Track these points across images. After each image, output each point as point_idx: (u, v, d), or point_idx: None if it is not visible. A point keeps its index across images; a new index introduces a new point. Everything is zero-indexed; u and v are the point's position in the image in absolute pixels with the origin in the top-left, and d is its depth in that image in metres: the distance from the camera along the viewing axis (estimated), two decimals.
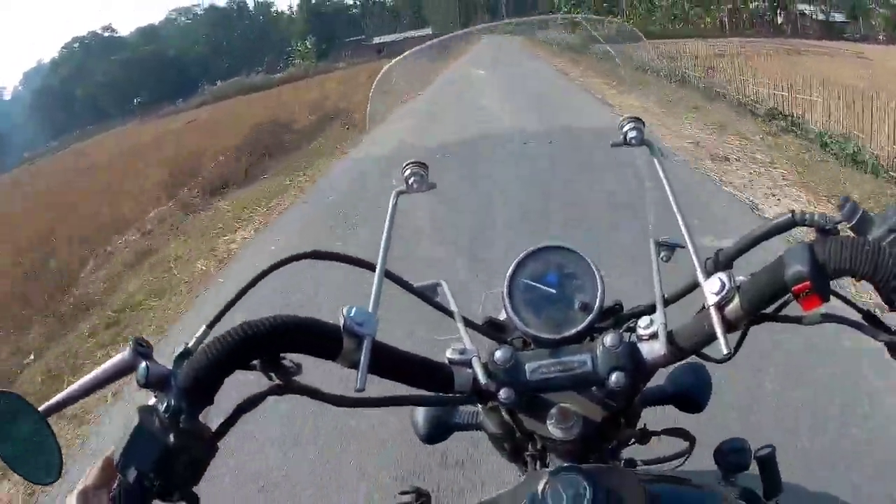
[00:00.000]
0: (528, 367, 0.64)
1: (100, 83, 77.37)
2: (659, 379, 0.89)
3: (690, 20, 38.38)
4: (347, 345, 0.56)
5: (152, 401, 0.55)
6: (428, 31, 61.26)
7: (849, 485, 1.94)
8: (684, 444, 0.95)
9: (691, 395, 0.86)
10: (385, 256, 0.68)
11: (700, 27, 35.11)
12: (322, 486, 2.36)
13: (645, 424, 0.89)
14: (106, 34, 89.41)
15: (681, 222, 0.68)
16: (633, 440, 0.87)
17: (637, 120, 0.76)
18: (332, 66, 52.02)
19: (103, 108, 73.05)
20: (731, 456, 0.86)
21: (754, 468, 0.91)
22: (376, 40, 65.81)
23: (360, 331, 0.56)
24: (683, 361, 0.87)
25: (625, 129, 0.76)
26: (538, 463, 0.77)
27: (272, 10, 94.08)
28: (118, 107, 72.41)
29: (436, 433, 0.91)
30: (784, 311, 0.62)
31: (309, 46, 66.86)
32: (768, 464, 0.90)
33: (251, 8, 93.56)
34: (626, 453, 0.92)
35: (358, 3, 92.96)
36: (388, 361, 0.60)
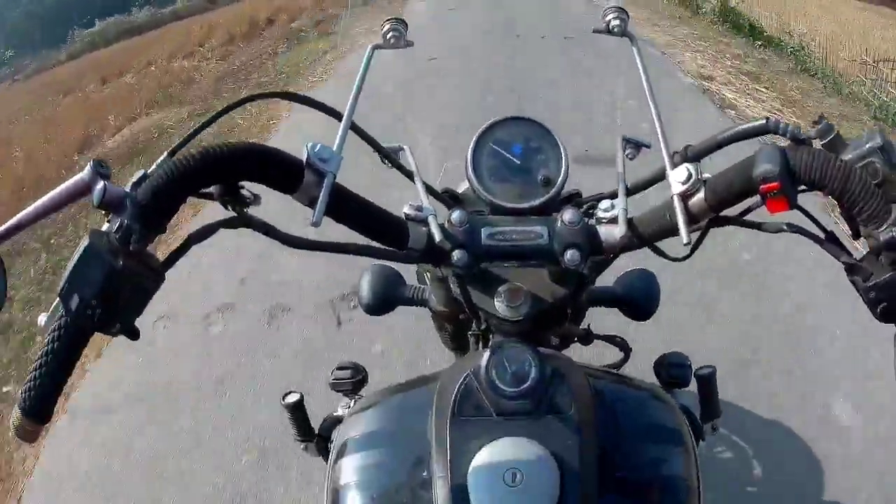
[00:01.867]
0: (484, 231, 0.64)
1: None
2: (608, 282, 0.91)
3: None
4: (308, 179, 0.56)
5: (105, 227, 0.53)
6: None
7: None
8: (621, 355, 0.98)
9: (639, 301, 0.87)
10: (353, 106, 0.66)
11: None
12: None
13: (589, 325, 0.91)
14: None
15: (654, 113, 0.68)
16: (575, 338, 0.90)
17: (621, 10, 0.74)
18: None
19: None
20: (672, 370, 0.86)
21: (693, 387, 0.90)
22: None
23: (322, 167, 0.56)
24: (634, 268, 0.89)
25: (608, 17, 0.75)
26: (480, 344, 0.78)
27: None
28: None
29: (380, 304, 0.91)
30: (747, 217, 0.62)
31: None
32: (707, 383, 0.91)
33: None
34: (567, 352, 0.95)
35: None
36: (345, 205, 0.59)
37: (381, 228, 0.62)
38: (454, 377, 0.65)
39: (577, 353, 0.85)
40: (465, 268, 0.62)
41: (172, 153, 0.59)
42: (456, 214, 0.63)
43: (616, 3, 0.74)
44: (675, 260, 0.66)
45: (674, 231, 0.60)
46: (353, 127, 0.67)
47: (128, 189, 0.54)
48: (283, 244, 0.57)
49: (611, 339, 0.95)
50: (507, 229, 0.64)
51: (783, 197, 0.52)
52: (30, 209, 0.62)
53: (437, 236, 0.61)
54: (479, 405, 0.62)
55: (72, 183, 0.58)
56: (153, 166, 0.57)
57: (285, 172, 0.55)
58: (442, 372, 0.70)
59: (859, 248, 0.56)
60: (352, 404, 0.88)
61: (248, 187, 0.57)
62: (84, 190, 0.57)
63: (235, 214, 0.57)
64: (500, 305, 0.66)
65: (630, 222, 0.63)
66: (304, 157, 0.56)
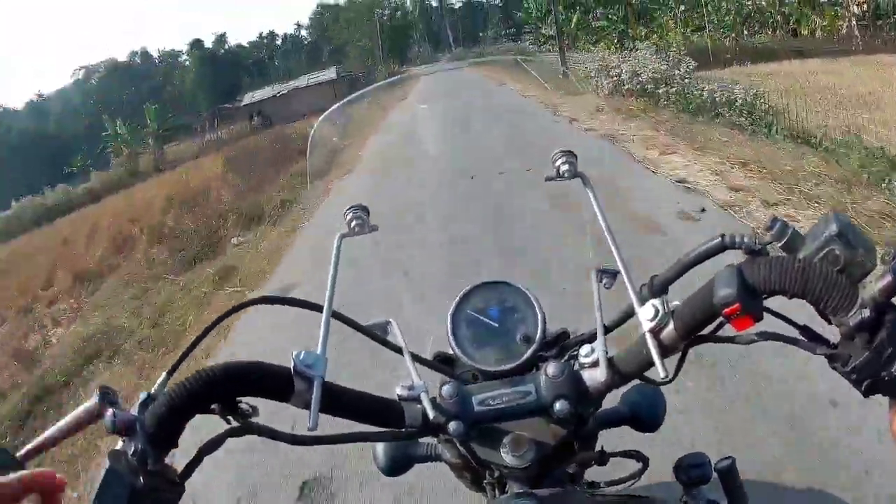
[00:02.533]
0: (474, 399, 0.66)
1: None
2: (616, 400, 0.92)
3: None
4: (299, 386, 0.59)
5: (120, 445, 0.58)
6: (330, 74, 41.78)
7: None
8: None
9: (645, 416, 0.89)
10: (332, 298, 0.70)
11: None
12: None
13: (602, 446, 0.91)
14: None
15: (615, 252, 0.71)
16: (592, 462, 0.90)
17: (569, 153, 0.77)
18: (176, 153, 34.41)
19: None
20: (691, 470, 0.84)
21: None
22: (248, 99, 42.04)
23: (309, 373, 0.59)
24: (637, 383, 0.90)
25: (557, 162, 0.77)
26: (497, 490, 0.79)
27: (178, 59, 77.07)
28: None
29: (396, 466, 0.93)
30: (721, 331, 0.62)
31: (121, 131, 37.01)
32: (729, 475, 0.87)
33: (156, 58, 77.86)
34: (590, 475, 0.95)
35: (264, 41, 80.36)
36: (338, 401, 0.62)
37: (377, 414, 0.64)
38: None
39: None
40: (462, 436, 0.65)
41: (171, 371, 0.64)
42: (446, 388, 0.66)
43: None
44: (660, 384, 0.66)
45: (652, 364, 0.62)
46: (336, 315, 0.71)
47: (135, 412, 0.59)
48: (290, 444, 0.60)
49: (626, 455, 0.95)
50: (497, 393, 0.67)
51: (748, 315, 0.54)
52: (48, 433, 0.67)
53: (431, 413, 0.64)
54: None
55: (82, 410, 0.64)
56: (155, 386, 0.62)
57: (276, 385, 0.59)
58: None
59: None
60: None
61: (247, 400, 0.61)
62: (95, 416, 0.62)
63: (240, 425, 0.60)
64: (506, 456, 0.68)
65: (611, 363, 0.65)
66: (291, 366, 0.60)
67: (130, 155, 35.20)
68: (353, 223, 0.77)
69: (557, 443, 0.69)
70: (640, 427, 0.89)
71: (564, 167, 0.77)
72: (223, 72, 70.48)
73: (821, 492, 1.89)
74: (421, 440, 0.92)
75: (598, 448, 0.91)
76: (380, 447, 0.93)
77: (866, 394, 0.53)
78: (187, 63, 74.25)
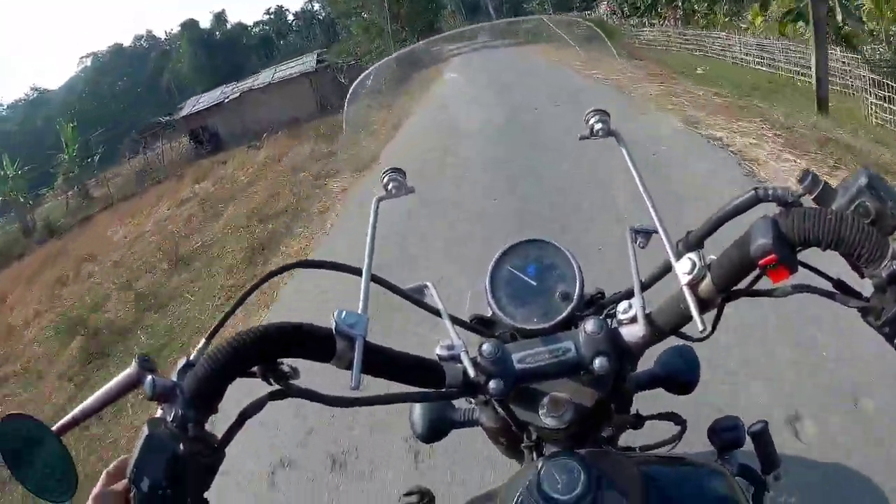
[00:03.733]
0: (514, 357, 0.66)
1: None
2: (649, 364, 0.91)
3: None
4: (340, 347, 0.59)
5: (159, 412, 0.57)
6: (306, 63, 27.95)
7: None
8: (677, 429, 0.97)
9: (680, 377, 0.89)
10: (370, 260, 0.70)
11: None
12: None
13: (638, 409, 0.91)
14: None
15: (651, 209, 0.71)
16: (627, 426, 0.90)
17: (602, 112, 0.78)
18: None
19: None
20: (725, 434, 0.87)
21: (749, 445, 0.91)
22: (190, 107, 27.83)
23: (351, 332, 0.59)
24: (668, 344, 0.90)
25: (591, 121, 0.78)
26: (534, 454, 0.79)
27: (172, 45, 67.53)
28: None
29: (434, 432, 0.94)
30: (756, 285, 0.63)
31: (67, 157, 25.76)
32: (762, 438, 0.92)
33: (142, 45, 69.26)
34: (624, 440, 0.95)
35: (266, 17, 70.50)
36: (380, 361, 0.62)
37: (417, 374, 0.64)
38: (511, 494, 0.66)
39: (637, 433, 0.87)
40: (502, 395, 0.65)
41: (210, 337, 0.64)
42: (486, 347, 0.66)
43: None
44: (698, 340, 0.67)
45: (690, 318, 0.62)
46: (374, 278, 0.71)
47: (174, 378, 0.59)
48: (331, 406, 0.60)
49: (663, 417, 0.95)
50: (536, 351, 0.67)
51: (783, 266, 0.55)
52: (84, 405, 0.67)
53: (472, 372, 0.64)
54: None
55: (121, 378, 0.64)
56: (194, 352, 0.62)
57: (317, 345, 0.59)
58: (500, 488, 0.71)
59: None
60: None
61: (287, 362, 0.61)
62: (134, 383, 0.63)
63: (280, 388, 0.60)
64: (544, 417, 0.68)
65: (649, 318, 0.65)
66: (332, 326, 0.59)
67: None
68: (391, 185, 0.78)
69: (595, 403, 0.69)
70: (675, 389, 0.89)
71: (598, 125, 0.77)
72: (225, 55, 61.37)
73: None
74: (458, 406, 0.92)
75: (633, 412, 0.91)
76: (417, 413, 0.94)
77: None
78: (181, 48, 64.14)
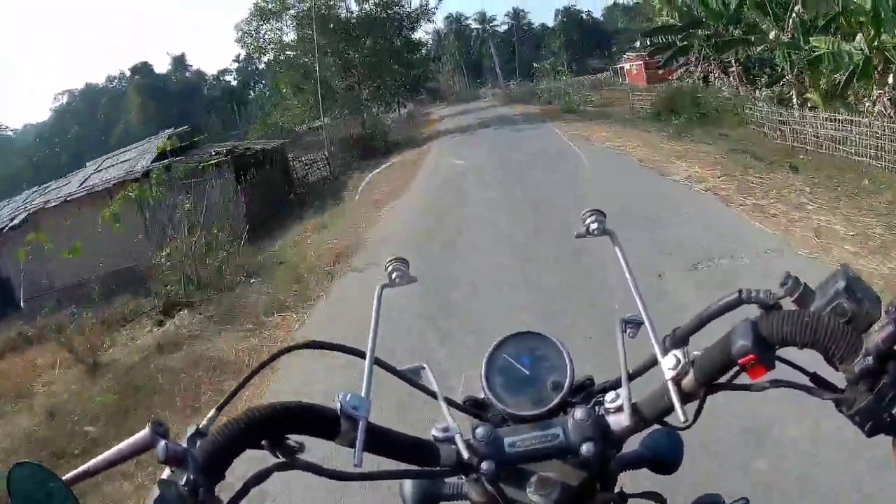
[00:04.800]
0: (506, 441, 0.70)
1: None
2: (635, 444, 0.95)
3: None
4: (344, 427, 0.64)
5: (166, 474, 0.61)
6: (135, 162, 14.06)
7: None
8: None
9: (664, 459, 0.91)
10: (374, 345, 0.75)
11: None
12: None
13: (622, 487, 0.94)
14: None
15: (640, 306, 0.76)
16: (612, 503, 0.93)
17: (598, 212, 0.84)
18: None
19: None
20: None
21: None
22: None
23: (355, 414, 0.64)
24: (656, 427, 0.94)
25: (587, 220, 0.84)
26: None
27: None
28: None
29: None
30: (737, 380, 0.68)
31: None
32: None
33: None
34: None
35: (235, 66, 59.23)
36: (380, 441, 0.67)
37: (414, 453, 0.69)
38: None
39: None
40: (493, 476, 0.68)
41: (220, 407, 0.68)
42: (479, 431, 0.70)
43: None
44: (680, 429, 0.71)
45: (672, 409, 0.67)
46: (377, 361, 0.75)
47: (185, 445, 0.62)
48: (333, 479, 0.64)
49: (645, 496, 0.97)
50: (527, 436, 0.71)
51: (761, 364, 0.60)
52: (97, 460, 0.70)
53: (465, 454, 0.68)
54: None
55: (134, 440, 0.67)
56: (204, 421, 0.66)
57: (323, 424, 0.64)
58: None
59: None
60: None
61: (293, 437, 0.65)
62: (146, 447, 0.66)
63: (286, 461, 0.64)
64: (532, 495, 0.71)
65: (635, 408, 0.70)
66: (337, 408, 0.64)
67: None
68: (394, 274, 0.82)
69: (581, 483, 0.72)
70: (659, 469, 0.92)
71: (594, 225, 0.83)
72: (181, 105, 52.26)
73: None
74: (447, 480, 0.96)
75: (617, 489, 0.94)
76: (408, 485, 0.96)
77: (870, 434, 0.58)
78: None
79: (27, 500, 0.62)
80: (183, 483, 0.59)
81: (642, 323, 0.81)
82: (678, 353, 0.67)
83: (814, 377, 0.64)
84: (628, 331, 0.82)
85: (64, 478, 0.66)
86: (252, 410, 0.61)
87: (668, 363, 0.67)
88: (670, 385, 0.66)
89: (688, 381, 0.66)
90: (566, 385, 0.77)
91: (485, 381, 0.79)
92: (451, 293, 5.76)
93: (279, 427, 0.62)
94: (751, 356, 0.59)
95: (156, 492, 0.58)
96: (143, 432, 0.66)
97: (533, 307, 5.04)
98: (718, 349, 0.64)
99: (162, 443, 0.61)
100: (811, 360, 0.65)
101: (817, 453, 2.72)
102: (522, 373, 0.79)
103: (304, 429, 0.63)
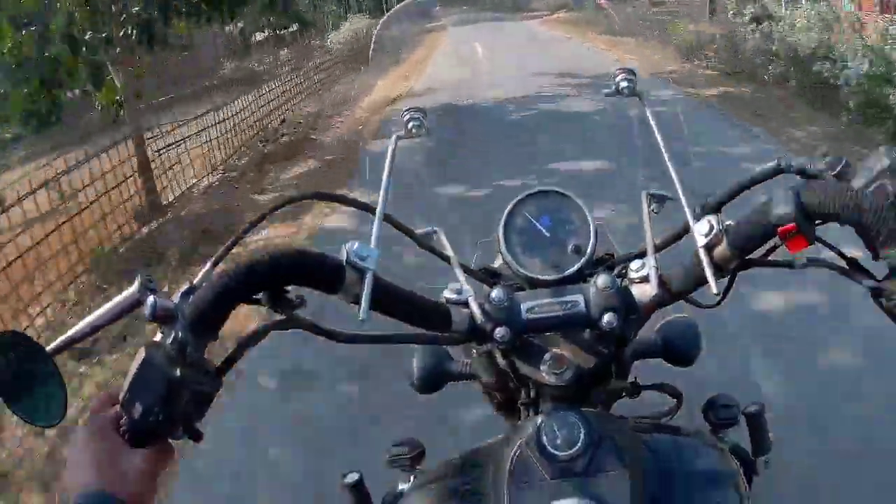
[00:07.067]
0: (523, 306, 0.66)
1: None
2: (650, 334, 0.91)
3: None
4: (350, 278, 0.58)
5: (158, 337, 0.56)
6: None
7: None
8: (673, 402, 0.98)
9: (681, 349, 0.88)
10: (385, 198, 0.70)
11: None
12: None
13: (636, 378, 0.91)
14: None
15: (671, 171, 0.71)
16: (623, 393, 0.90)
17: (629, 71, 0.78)
18: None
19: None
20: (720, 411, 0.88)
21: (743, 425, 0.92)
22: None
23: (362, 265, 0.58)
24: (674, 316, 0.90)
25: (617, 79, 0.79)
26: (530, 410, 0.79)
27: None
28: None
29: (430, 382, 0.94)
30: (773, 256, 0.64)
31: None
32: (756, 420, 0.92)
33: None
34: (617, 409, 0.95)
35: None
36: (387, 298, 0.62)
37: (424, 315, 0.64)
38: (509, 447, 0.66)
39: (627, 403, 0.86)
40: (507, 343, 0.65)
41: (216, 262, 0.63)
42: (495, 293, 0.66)
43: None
44: (708, 307, 0.68)
45: (703, 281, 0.62)
46: (387, 218, 0.70)
47: (176, 301, 0.57)
48: (334, 341, 0.60)
49: (659, 388, 0.95)
50: (545, 301, 0.67)
51: (801, 236, 0.56)
52: (84, 323, 0.66)
53: (479, 317, 0.64)
54: (534, 472, 0.63)
55: (123, 298, 0.62)
56: (198, 276, 0.61)
57: (326, 275, 0.58)
58: (496, 442, 0.71)
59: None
60: (412, 479, 0.89)
61: (294, 290, 0.60)
62: (135, 304, 0.61)
63: (284, 317, 0.59)
64: (545, 373, 0.68)
65: (661, 279, 0.65)
66: (342, 257, 0.59)
67: None
68: (411, 124, 0.78)
69: (596, 364, 0.69)
70: (674, 360, 0.89)
71: (624, 84, 0.78)
72: None
73: None
74: (455, 358, 0.93)
75: (630, 380, 0.91)
76: (415, 361, 0.94)
77: None
78: None
79: (7, 373, 0.59)
80: (170, 342, 0.54)
81: (668, 198, 0.76)
82: (712, 218, 0.62)
83: (851, 262, 0.60)
84: (653, 205, 0.77)
85: (48, 348, 0.62)
86: (245, 259, 0.56)
87: (701, 229, 0.62)
88: (702, 253, 0.61)
89: (721, 250, 0.61)
90: (589, 249, 0.72)
91: (503, 242, 0.74)
92: None
93: (276, 278, 0.57)
94: (791, 225, 0.55)
95: (141, 354, 0.54)
96: (132, 289, 0.61)
97: None
98: (755, 216, 0.59)
99: (150, 298, 0.56)
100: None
101: None
102: (542, 234, 0.75)
103: (304, 280, 0.57)
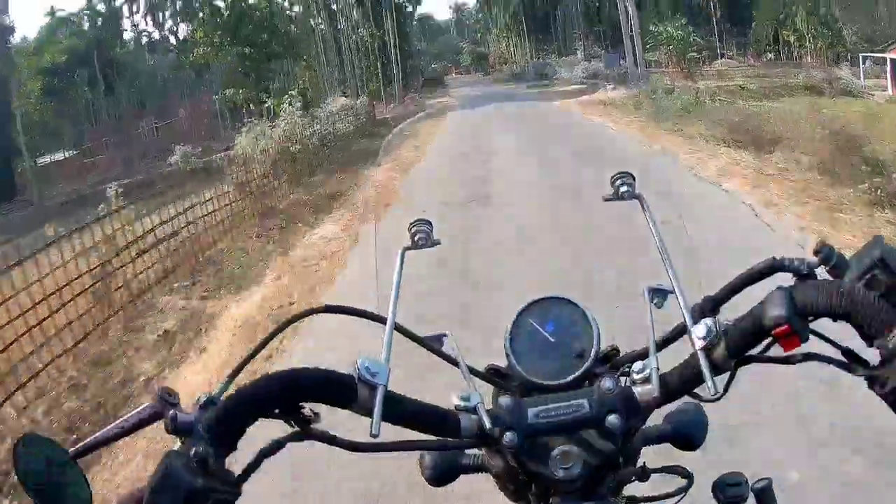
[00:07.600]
0: (530, 412, 0.67)
1: None
2: (658, 419, 0.92)
3: None
4: (362, 394, 0.60)
5: (177, 445, 0.58)
6: None
7: None
8: (683, 482, 0.98)
9: (688, 434, 0.90)
10: (395, 310, 0.72)
11: None
12: None
13: (645, 462, 0.92)
14: None
15: (670, 273, 0.73)
16: (633, 478, 0.90)
17: (626, 174, 0.81)
18: None
19: None
20: (729, 490, 0.88)
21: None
22: None
23: (373, 381, 0.61)
24: (683, 402, 0.91)
25: (616, 183, 0.81)
26: (541, 503, 0.80)
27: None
28: None
29: (443, 476, 0.93)
30: (769, 352, 0.65)
31: None
32: (765, 495, 0.91)
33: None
34: (628, 491, 0.95)
35: None
36: (399, 409, 0.64)
37: (434, 423, 0.66)
38: None
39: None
40: (516, 447, 0.66)
41: (232, 376, 0.65)
42: (503, 400, 0.67)
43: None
44: (708, 401, 0.69)
45: (702, 381, 0.63)
46: (398, 327, 0.72)
47: (196, 414, 0.60)
48: (350, 451, 0.61)
49: (669, 470, 0.96)
50: (551, 406, 0.68)
51: (795, 336, 0.58)
52: (103, 431, 0.68)
53: (487, 424, 0.65)
54: None
55: (142, 409, 0.65)
56: (216, 390, 0.63)
57: (339, 391, 0.61)
58: None
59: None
60: None
61: (309, 405, 0.62)
62: (155, 416, 0.63)
63: (301, 431, 0.61)
64: (554, 469, 0.69)
65: (662, 379, 0.67)
66: (354, 374, 0.61)
67: None
68: (417, 237, 0.81)
69: (604, 457, 0.70)
70: (682, 445, 0.90)
71: (624, 188, 0.81)
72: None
73: None
74: (467, 451, 0.94)
75: (639, 464, 0.92)
76: (427, 456, 0.94)
77: None
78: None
79: (34, 475, 0.60)
80: (192, 454, 0.55)
81: (670, 292, 0.78)
82: (709, 321, 0.64)
83: (846, 352, 0.61)
84: (655, 300, 0.79)
85: (70, 451, 0.63)
86: (264, 378, 0.58)
87: (699, 332, 0.64)
88: (700, 355, 0.63)
89: (719, 351, 0.63)
90: (592, 354, 0.74)
91: (509, 350, 0.76)
92: None
93: (293, 395, 0.59)
94: (785, 327, 0.57)
95: (163, 463, 0.55)
96: (151, 402, 0.64)
97: None
98: (751, 319, 0.61)
99: (171, 412, 0.59)
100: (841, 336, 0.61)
101: None
102: (548, 340, 0.77)
103: (318, 396, 0.60)
